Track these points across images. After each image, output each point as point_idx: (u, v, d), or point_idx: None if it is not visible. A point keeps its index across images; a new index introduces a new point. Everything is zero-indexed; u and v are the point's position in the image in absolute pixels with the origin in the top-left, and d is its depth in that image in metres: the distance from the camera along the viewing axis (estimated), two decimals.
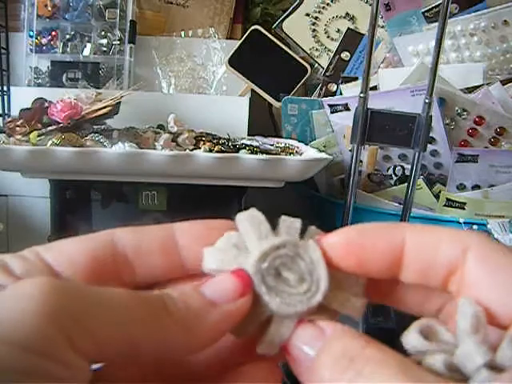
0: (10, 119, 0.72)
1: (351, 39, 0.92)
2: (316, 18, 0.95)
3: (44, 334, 0.15)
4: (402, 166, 0.80)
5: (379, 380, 0.16)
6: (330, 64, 0.92)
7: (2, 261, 0.19)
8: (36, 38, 0.97)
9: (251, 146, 0.72)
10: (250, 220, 0.21)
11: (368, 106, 0.65)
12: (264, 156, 0.65)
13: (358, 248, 0.20)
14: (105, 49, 0.97)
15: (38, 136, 0.67)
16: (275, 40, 0.92)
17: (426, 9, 0.86)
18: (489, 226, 0.69)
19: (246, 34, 0.92)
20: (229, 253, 0.20)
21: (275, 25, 0.95)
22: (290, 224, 0.22)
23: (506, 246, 0.20)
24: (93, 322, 0.16)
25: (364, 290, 0.21)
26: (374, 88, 0.83)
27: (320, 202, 0.87)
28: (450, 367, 0.17)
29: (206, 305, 0.19)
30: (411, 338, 0.18)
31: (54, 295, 0.16)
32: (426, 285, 0.20)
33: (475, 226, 0.70)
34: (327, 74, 0.92)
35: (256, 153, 0.70)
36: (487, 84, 0.80)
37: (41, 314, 0.15)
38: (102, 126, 0.74)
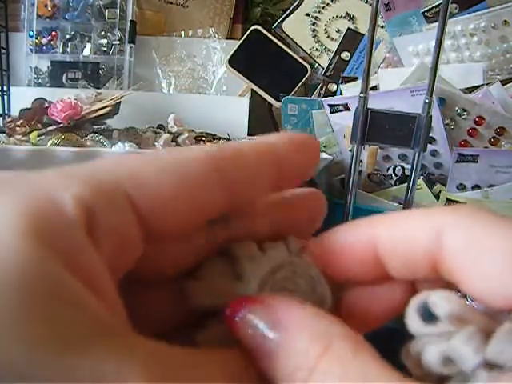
0: (9, 119, 0.72)
1: (351, 39, 0.92)
2: (316, 17, 0.95)
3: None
4: (402, 166, 0.80)
5: None
6: (330, 64, 0.92)
7: (89, 207, 0.14)
8: (36, 38, 0.97)
9: None
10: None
11: (368, 106, 0.65)
12: None
13: (332, 256, 0.19)
14: (105, 49, 0.97)
15: (38, 136, 0.67)
16: (275, 40, 0.92)
17: (426, 9, 0.86)
18: None
19: (246, 34, 0.92)
20: (222, 285, 0.18)
21: (275, 25, 0.95)
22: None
23: (490, 215, 0.16)
24: None
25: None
26: (374, 88, 0.83)
27: None
28: (446, 362, 0.14)
29: None
30: (409, 321, 0.16)
31: None
32: (416, 278, 0.18)
33: None
34: (327, 74, 0.92)
35: None
36: (487, 84, 0.80)
37: None
38: (102, 126, 0.74)
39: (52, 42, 0.98)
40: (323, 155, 0.70)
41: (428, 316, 0.15)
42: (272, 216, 0.20)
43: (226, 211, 0.18)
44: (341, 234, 0.19)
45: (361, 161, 0.76)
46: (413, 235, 0.17)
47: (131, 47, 0.97)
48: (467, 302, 0.15)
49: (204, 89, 0.98)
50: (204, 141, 0.74)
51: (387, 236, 0.18)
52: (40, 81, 0.97)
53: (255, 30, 0.91)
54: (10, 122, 0.71)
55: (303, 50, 0.95)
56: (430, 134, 0.72)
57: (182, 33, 1.00)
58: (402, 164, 0.80)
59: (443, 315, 0.15)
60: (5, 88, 0.88)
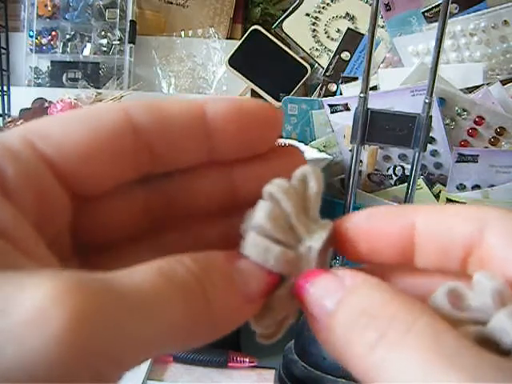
0: (9, 119, 0.72)
1: (351, 39, 0.91)
2: (316, 17, 0.95)
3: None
4: (402, 166, 0.80)
5: (408, 352, 0.13)
6: (330, 64, 0.92)
7: None
8: (36, 38, 0.97)
9: None
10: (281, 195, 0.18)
11: (368, 106, 0.65)
12: None
13: (365, 234, 0.19)
14: (105, 49, 0.97)
15: None
16: (275, 40, 0.92)
17: (425, 9, 0.86)
18: None
19: (246, 34, 0.92)
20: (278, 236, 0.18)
21: (275, 25, 0.95)
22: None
23: None
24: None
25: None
26: (374, 88, 0.83)
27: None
28: (483, 341, 0.15)
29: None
30: (439, 303, 0.16)
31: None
32: (443, 268, 0.18)
33: None
34: (327, 74, 0.92)
35: None
36: (487, 84, 0.80)
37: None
38: None
39: (52, 42, 0.98)
40: (323, 155, 0.70)
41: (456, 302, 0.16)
42: (228, 171, 0.20)
43: (150, 170, 0.18)
44: (381, 214, 0.19)
45: (361, 161, 0.76)
46: (455, 224, 0.17)
47: (131, 47, 0.97)
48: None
49: (204, 89, 0.98)
50: None
51: (428, 222, 0.18)
52: (40, 81, 0.97)
53: (255, 30, 0.91)
54: (9, 122, 0.71)
55: (303, 50, 0.95)
56: (430, 134, 0.71)
57: (182, 33, 1.00)
58: (402, 164, 0.80)
59: (488, 290, 0.15)
60: (5, 88, 0.88)
